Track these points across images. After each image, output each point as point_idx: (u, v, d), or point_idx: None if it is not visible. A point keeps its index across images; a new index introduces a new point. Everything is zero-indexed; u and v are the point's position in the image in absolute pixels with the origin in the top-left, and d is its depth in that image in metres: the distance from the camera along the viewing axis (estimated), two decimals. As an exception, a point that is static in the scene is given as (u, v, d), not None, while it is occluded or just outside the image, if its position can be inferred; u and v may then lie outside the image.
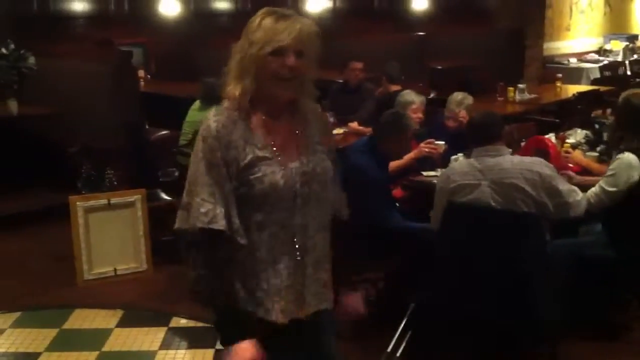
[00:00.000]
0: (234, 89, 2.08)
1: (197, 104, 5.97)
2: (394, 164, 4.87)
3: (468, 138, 3.83)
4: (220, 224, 2.00)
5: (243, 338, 2.04)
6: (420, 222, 4.17)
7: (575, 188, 3.64)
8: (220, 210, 2.00)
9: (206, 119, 2.08)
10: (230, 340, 2.05)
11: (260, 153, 2.06)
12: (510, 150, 3.78)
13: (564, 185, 3.55)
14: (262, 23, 2.03)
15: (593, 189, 3.80)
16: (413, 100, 5.14)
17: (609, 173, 3.82)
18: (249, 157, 2.04)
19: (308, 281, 2.14)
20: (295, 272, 2.11)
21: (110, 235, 5.08)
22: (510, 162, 3.57)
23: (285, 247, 2.09)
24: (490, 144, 3.62)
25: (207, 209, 2.00)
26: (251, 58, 2.03)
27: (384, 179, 4.35)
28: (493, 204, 3.51)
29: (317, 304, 2.17)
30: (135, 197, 5.13)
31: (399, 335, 3.80)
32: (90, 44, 8.18)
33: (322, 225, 2.17)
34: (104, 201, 5.05)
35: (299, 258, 2.11)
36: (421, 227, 4.08)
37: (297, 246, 2.11)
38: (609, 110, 5.42)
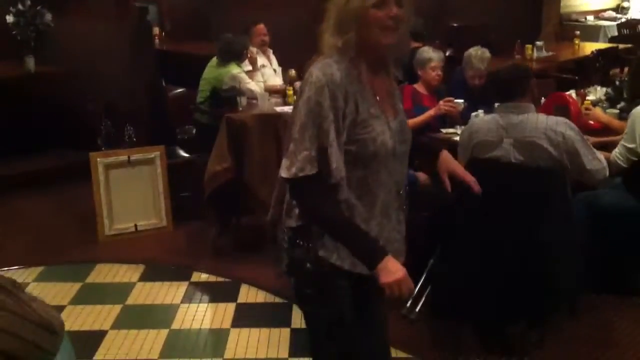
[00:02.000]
0: (335, 41, 2.05)
1: (214, 60, 5.94)
2: (411, 121, 4.86)
3: (492, 93, 3.78)
4: (314, 168, 1.99)
5: (385, 254, 2.03)
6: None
7: (599, 156, 3.52)
8: (319, 156, 1.98)
9: (325, 66, 2.02)
10: (375, 261, 2.02)
11: (373, 110, 2.07)
12: (535, 108, 3.73)
13: (586, 151, 3.46)
14: None
15: (617, 150, 3.79)
16: (431, 57, 5.09)
17: (626, 131, 3.83)
18: (364, 113, 2.05)
19: (403, 230, 2.25)
20: (400, 224, 2.22)
21: (130, 191, 5.13)
22: (535, 120, 3.49)
23: (390, 202, 2.16)
24: (516, 100, 3.56)
25: (310, 157, 1.99)
26: (353, 11, 2.02)
27: None
28: (514, 161, 3.49)
29: (404, 251, 2.27)
30: (155, 153, 5.16)
31: (418, 289, 3.84)
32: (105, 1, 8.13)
33: (405, 177, 2.25)
34: (124, 157, 5.09)
35: (403, 209, 2.22)
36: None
37: (400, 200, 2.19)
38: (627, 69, 5.37)
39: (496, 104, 4.56)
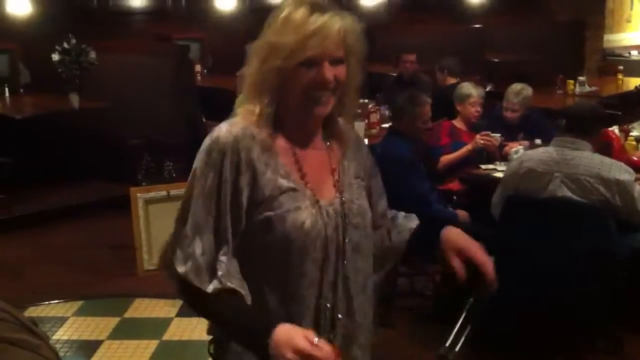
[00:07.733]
0: (252, 107, 1.60)
1: None
2: (448, 157, 4.85)
3: (563, 124, 3.71)
4: (210, 285, 1.57)
5: (272, 329, 1.46)
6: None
7: None
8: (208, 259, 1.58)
9: (216, 128, 1.62)
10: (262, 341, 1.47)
11: (284, 183, 1.57)
12: (592, 147, 3.56)
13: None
14: (291, 18, 1.54)
15: None
16: (471, 93, 5.07)
17: None
18: (268, 187, 1.56)
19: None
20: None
21: (169, 226, 5.10)
22: (589, 159, 3.43)
23: (309, 314, 1.59)
24: (575, 136, 3.49)
25: (193, 256, 1.60)
26: (274, 69, 1.55)
27: (412, 157, 4.17)
28: (559, 196, 3.44)
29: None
30: (194, 189, 5.18)
31: (457, 329, 3.76)
32: (149, 39, 8.32)
33: (364, 284, 1.68)
34: (163, 192, 5.12)
35: (328, 331, 1.61)
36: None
37: (326, 314, 1.61)
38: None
39: (536, 140, 4.54)
